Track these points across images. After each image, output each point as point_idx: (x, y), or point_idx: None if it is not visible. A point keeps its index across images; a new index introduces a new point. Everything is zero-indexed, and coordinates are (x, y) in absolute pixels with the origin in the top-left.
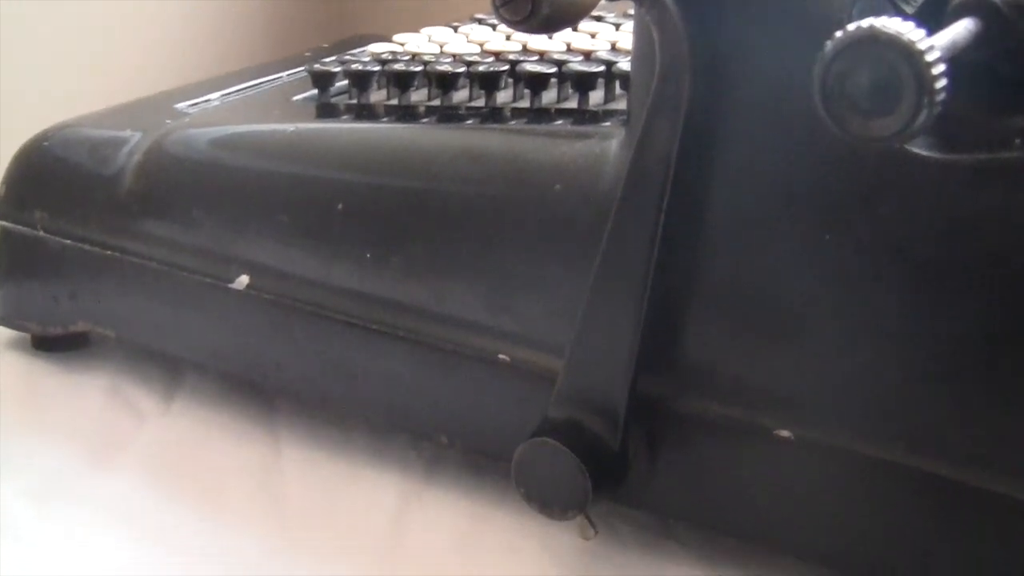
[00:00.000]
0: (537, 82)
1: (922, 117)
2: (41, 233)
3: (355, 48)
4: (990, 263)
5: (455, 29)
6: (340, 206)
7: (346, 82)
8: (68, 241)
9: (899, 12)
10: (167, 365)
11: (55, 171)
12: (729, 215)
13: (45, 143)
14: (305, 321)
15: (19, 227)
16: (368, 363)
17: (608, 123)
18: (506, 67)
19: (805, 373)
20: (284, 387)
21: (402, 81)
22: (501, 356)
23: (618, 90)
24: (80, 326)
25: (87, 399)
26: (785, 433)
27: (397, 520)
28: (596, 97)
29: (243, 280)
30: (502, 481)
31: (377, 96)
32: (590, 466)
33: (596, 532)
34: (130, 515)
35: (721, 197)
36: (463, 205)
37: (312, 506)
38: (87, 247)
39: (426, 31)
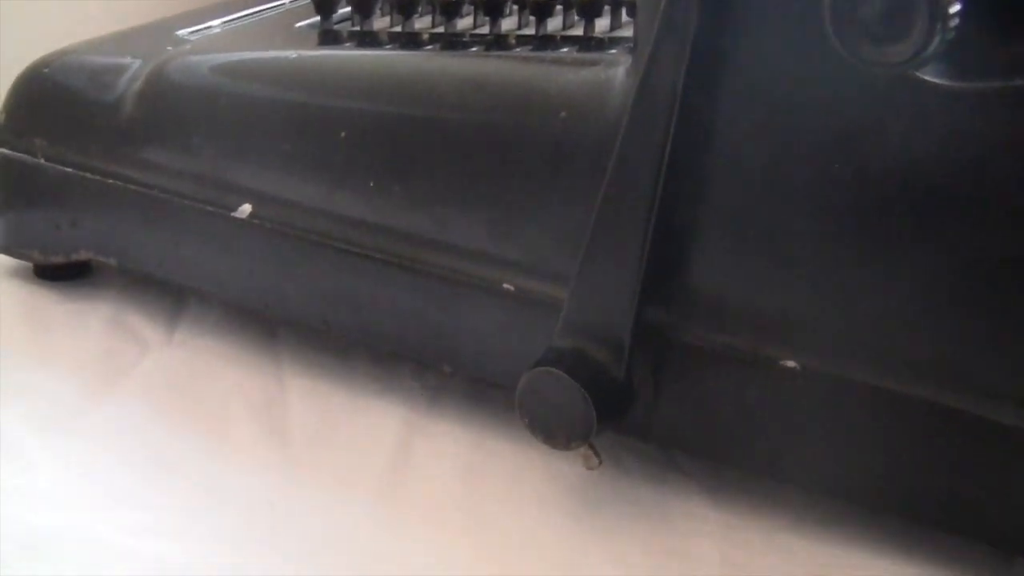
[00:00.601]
0: (542, 9)
1: (934, 43)
2: (41, 161)
3: None
4: (1000, 191)
5: None
6: (343, 134)
7: (349, 9)
8: (68, 169)
9: None
10: (170, 294)
11: (55, 98)
12: (737, 141)
13: (45, 70)
14: (308, 250)
15: (19, 154)
16: (371, 292)
17: (614, 50)
18: None
19: (812, 303)
20: (287, 316)
21: (405, 8)
22: (505, 285)
23: (624, 17)
24: (82, 255)
25: (89, 328)
26: (791, 363)
27: (400, 450)
28: (602, 24)
29: (245, 209)
30: (506, 411)
31: (380, 23)
32: (594, 396)
33: (600, 462)
34: (132, 442)
35: (729, 123)
36: (467, 133)
37: (315, 435)
38: (87, 175)
39: None
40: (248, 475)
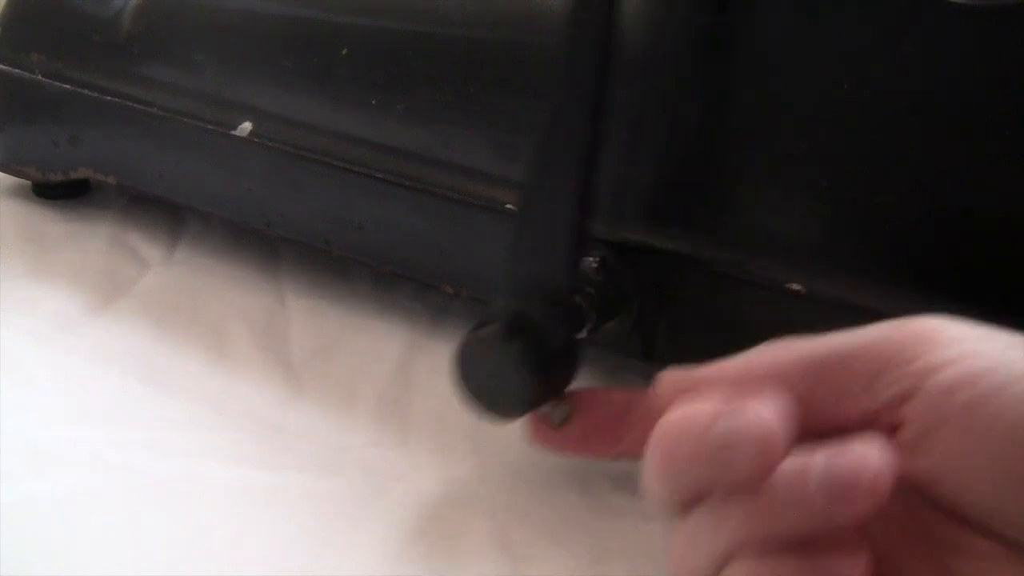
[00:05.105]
0: None
1: None
2: (39, 76)
3: None
4: (1017, 110)
5: None
6: (344, 50)
7: None
8: (66, 85)
9: None
10: (169, 213)
11: (52, 13)
12: (742, 58)
13: None
14: (309, 169)
15: (16, 70)
16: (373, 212)
17: None
18: None
19: (820, 225)
20: (288, 235)
21: None
22: (508, 205)
23: None
24: (81, 172)
25: (89, 246)
26: (796, 287)
27: (402, 369)
28: None
29: (246, 127)
30: None
31: None
32: (532, 360)
33: (569, 415)
34: (132, 360)
35: (731, 40)
36: (471, 49)
37: (315, 354)
38: (86, 91)
39: None
40: (248, 393)
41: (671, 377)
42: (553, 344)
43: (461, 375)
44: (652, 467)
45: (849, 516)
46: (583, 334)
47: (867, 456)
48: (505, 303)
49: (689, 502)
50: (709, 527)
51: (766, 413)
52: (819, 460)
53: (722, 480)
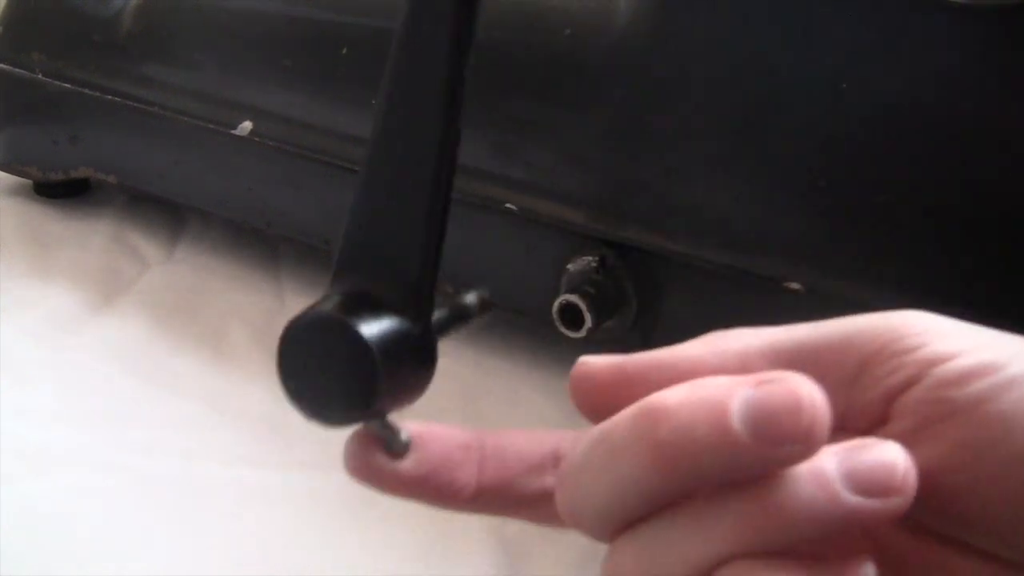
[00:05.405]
0: None
1: None
2: (39, 76)
3: None
4: (1017, 110)
5: None
6: (344, 50)
7: None
8: (67, 84)
9: None
10: (169, 212)
11: (53, 12)
12: (739, 54)
13: None
14: (309, 168)
15: (17, 69)
16: None
17: None
18: None
19: (818, 225)
20: (287, 234)
21: None
22: (508, 205)
23: None
24: (81, 171)
25: (89, 245)
26: (795, 285)
27: None
28: None
29: (246, 126)
30: (507, 331)
31: None
32: (382, 350)
33: (407, 447)
34: (132, 359)
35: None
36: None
37: None
38: (86, 91)
39: None
40: (249, 392)
41: (595, 368)
42: (402, 331)
43: (286, 371)
44: (626, 463)
45: (878, 517)
46: (582, 334)
47: (892, 452)
48: (342, 285)
49: (648, 510)
50: (688, 533)
51: (809, 384)
52: (836, 457)
53: (734, 469)
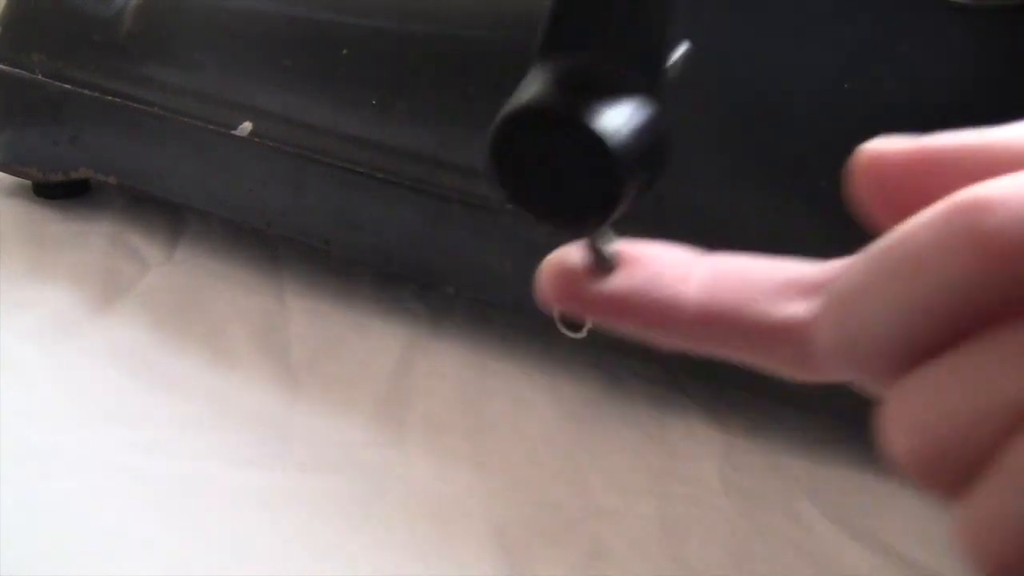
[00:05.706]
0: None
1: None
2: (39, 76)
3: None
4: (1018, 110)
5: None
6: (345, 51)
7: None
8: (67, 85)
9: None
10: (170, 213)
11: (53, 12)
12: (739, 54)
13: None
14: (309, 168)
15: (17, 70)
16: (373, 212)
17: None
18: None
19: (819, 225)
20: (288, 235)
21: None
22: (508, 205)
23: None
24: (81, 172)
25: (90, 246)
26: None
27: (402, 369)
28: None
29: (246, 127)
30: (509, 332)
31: None
32: (628, 150)
33: (615, 260)
34: (132, 360)
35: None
36: (471, 49)
37: (316, 355)
38: (86, 91)
39: None
40: (249, 393)
41: (888, 151)
42: (645, 117)
43: (500, 173)
44: (935, 269)
45: None
46: (582, 334)
47: None
48: (554, 59)
49: (955, 334)
50: (1003, 364)
51: None
52: None
53: None
